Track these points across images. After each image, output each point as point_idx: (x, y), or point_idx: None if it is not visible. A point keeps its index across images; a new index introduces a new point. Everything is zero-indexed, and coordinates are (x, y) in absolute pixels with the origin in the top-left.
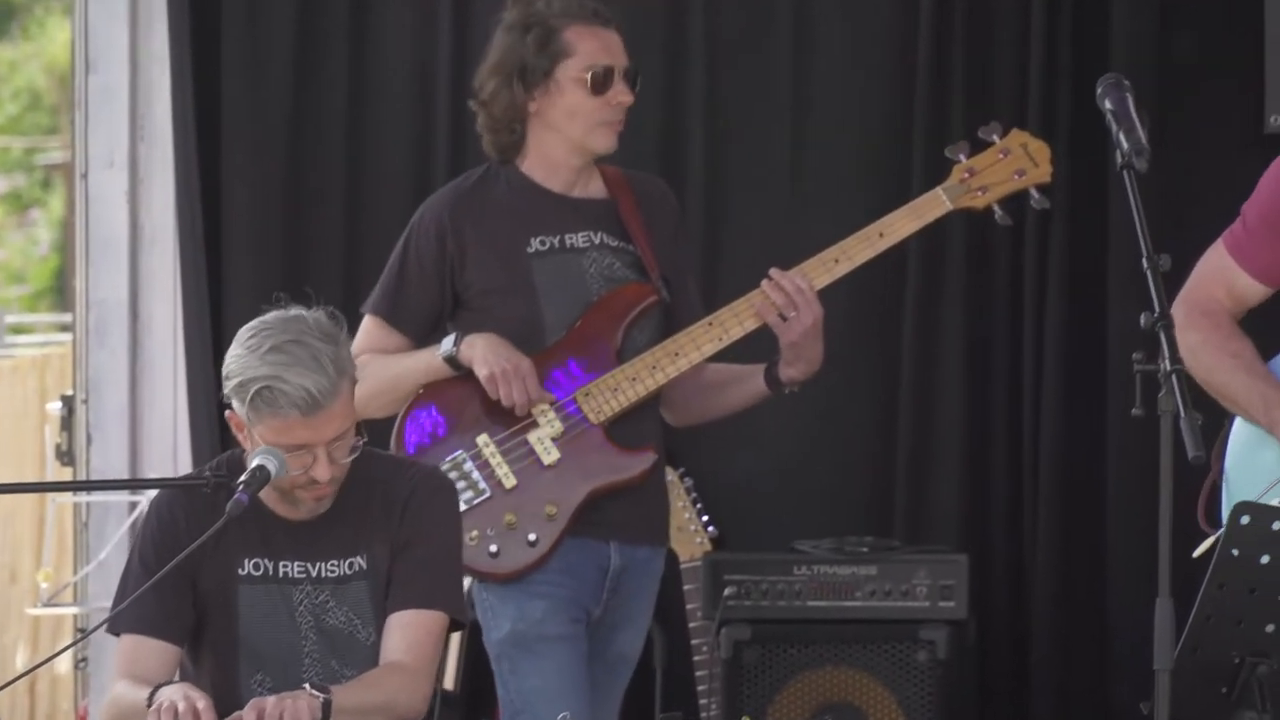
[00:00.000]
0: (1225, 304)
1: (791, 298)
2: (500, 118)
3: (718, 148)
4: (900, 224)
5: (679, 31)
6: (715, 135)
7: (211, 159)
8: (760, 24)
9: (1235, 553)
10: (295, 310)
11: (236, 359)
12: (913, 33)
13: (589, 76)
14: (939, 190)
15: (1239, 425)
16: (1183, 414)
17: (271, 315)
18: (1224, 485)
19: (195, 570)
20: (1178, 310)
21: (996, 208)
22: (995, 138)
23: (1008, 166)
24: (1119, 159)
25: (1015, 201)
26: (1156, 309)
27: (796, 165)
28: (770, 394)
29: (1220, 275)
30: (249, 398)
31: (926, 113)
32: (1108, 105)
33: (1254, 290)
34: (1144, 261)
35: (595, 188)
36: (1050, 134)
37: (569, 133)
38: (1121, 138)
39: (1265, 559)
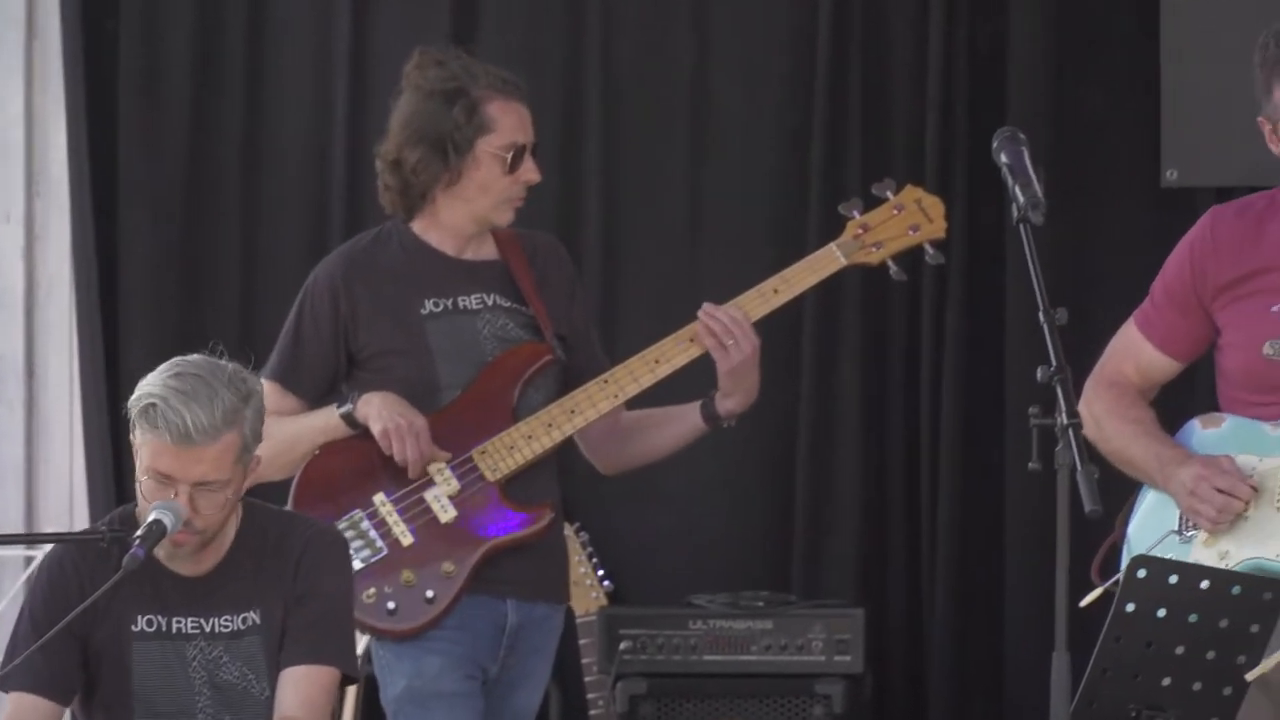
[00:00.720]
0: (1133, 379)
1: (729, 327)
2: (414, 184)
3: (614, 203)
4: (796, 279)
5: (576, 88)
6: (612, 191)
7: (108, 213)
8: (658, 82)
9: (1132, 607)
10: (227, 361)
11: (147, 379)
12: (808, 86)
13: (508, 156)
14: (833, 246)
15: (1145, 491)
16: (1079, 468)
17: (200, 355)
18: (1125, 547)
19: (88, 627)
20: (1087, 388)
21: (891, 263)
22: (889, 194)
23: (902, 222)
24: (1015, 212)
25: (910, 256)
26: (1053, 362)
27: (694, 221)
28: (708, 429)
29: (1129, 351)
30: (136, 412)
31: (823, 168)
32: (1004, 159)
33: (1160, 364)
34: (1040, 315)
35: (487, 249)
36: (947, 188)
37: (476, 205)
38: (1018, 191)
39: (1162, 613)
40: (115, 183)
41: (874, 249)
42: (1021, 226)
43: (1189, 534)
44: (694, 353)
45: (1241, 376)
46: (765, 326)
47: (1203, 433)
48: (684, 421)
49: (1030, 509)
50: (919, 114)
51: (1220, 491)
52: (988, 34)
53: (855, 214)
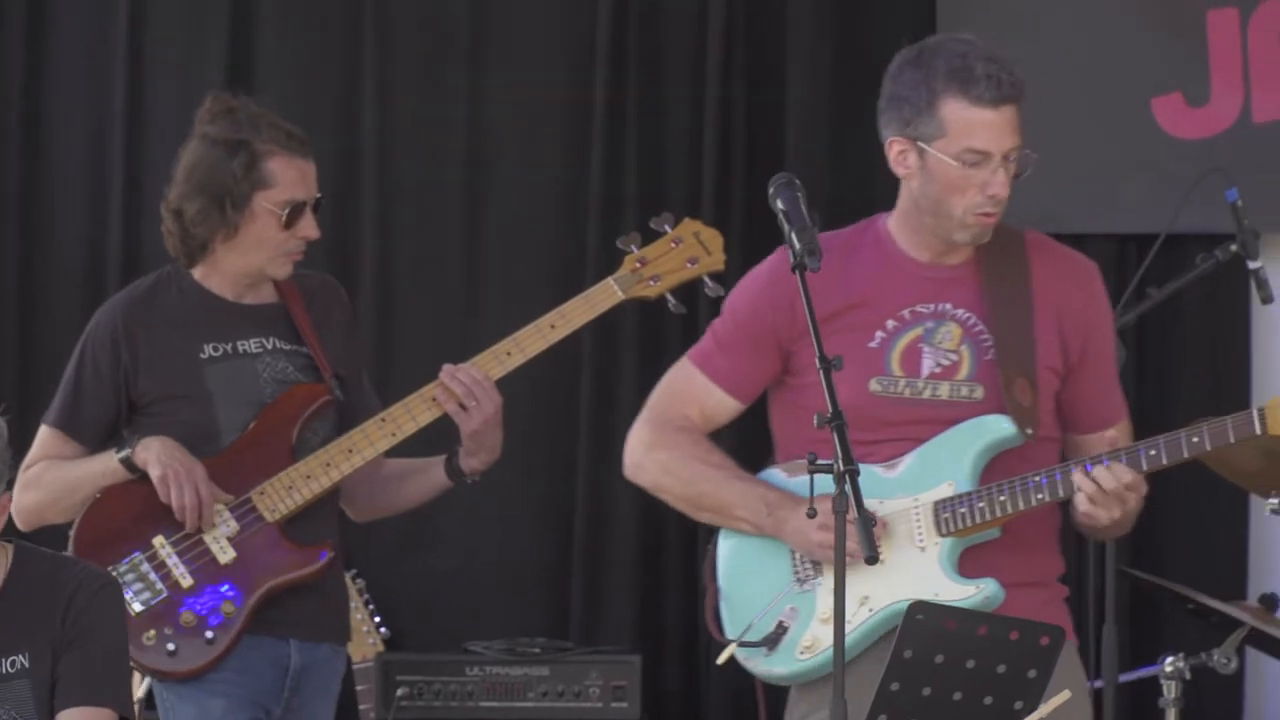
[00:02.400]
0: (697, 421)
1: (471, 389)
2: (194, 234)
3: (390, 245)
4: (573, 315)
5: (353, 125)
6: (388, 232)
7: None
8: (434, 124)
9: (909, 653)
10: None
11: None
12: (585, 127)
13: (284, 212)
14: (610, 280)
15: (729, 542)
16: (857, 514)
17: None
18: (724, 604)
19: None
20: (643, 431)
21: (670, 296)
22: (667, 227)
23: (680, 255)
24: (792, 259)
25: (690, 291)
26: (830, 409)
27: (471, 261)
28: (451, 485)
29: (691, 393)
30: None
31: (600, 209)
32: (780, 205)
33: (728, 406)
34: (818, 362)
35: (265, 293)
36: (724, 230)
37: (253, 258)
38: (794, 238)
39: (940, 659)
40: None
41: (652, 282)
42: (798, 273)
43: (810, 582)
44: (437, 412)
45: (845, 414)
46: (544, 373)
47: (796, 479)
48: (431, 474)
49: None
50: (696, 155)
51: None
52: (765, 80)
53: (633, 248)
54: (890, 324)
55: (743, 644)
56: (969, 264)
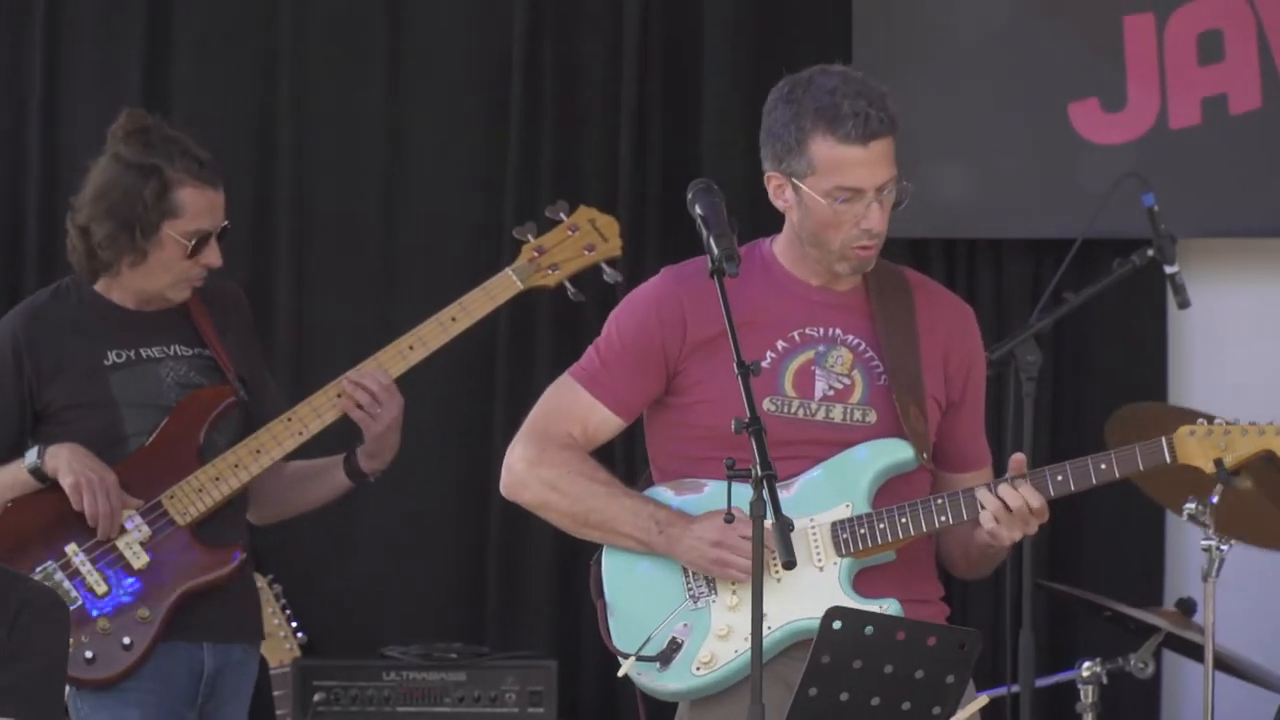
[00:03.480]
0: (579, 440)
1: (375, 394)
2: (100, 255)
3: (307, 245)
4: (473, 306)
5: (268, 129)
6: (305, 235)
7: None
8: (349, 118)
9: (827, 659)
10: None
11: None
12: (502, 133)
13: (190, 242)
14: (508, 271)
15: (615, 559)
16: (774, 520)
17: None
18: (612, 620)
19: None
20: (525, 448)
21: (568, 285)
22: (563, 215)
23: (577, 243)
24: (710, 264)
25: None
26: (748, 415)
27: (388, 265)
28: (352, 485)
29: (574, 412)
30: None
31: (515, 212)
32: (698, 210)
33: (611, 425)
34: (735, 367)
35: (166, 300)
36: (641, 240)
37: (156, 282)
38: (712, 243)
39: (858, 664)
40: None
41: (550, 271)
42: (716, 278)
43: (704, 600)
44: (343, 409)
45: (731, 434)
46: (458, 374)
47: (683, 498)
48: (332, 476)
49: None
50: (612, 161)
51: (749, 541)
52: (682, 85)
53: (530, 237)
54: (780, 345)
55: (638, 659)
56: (858, 291)
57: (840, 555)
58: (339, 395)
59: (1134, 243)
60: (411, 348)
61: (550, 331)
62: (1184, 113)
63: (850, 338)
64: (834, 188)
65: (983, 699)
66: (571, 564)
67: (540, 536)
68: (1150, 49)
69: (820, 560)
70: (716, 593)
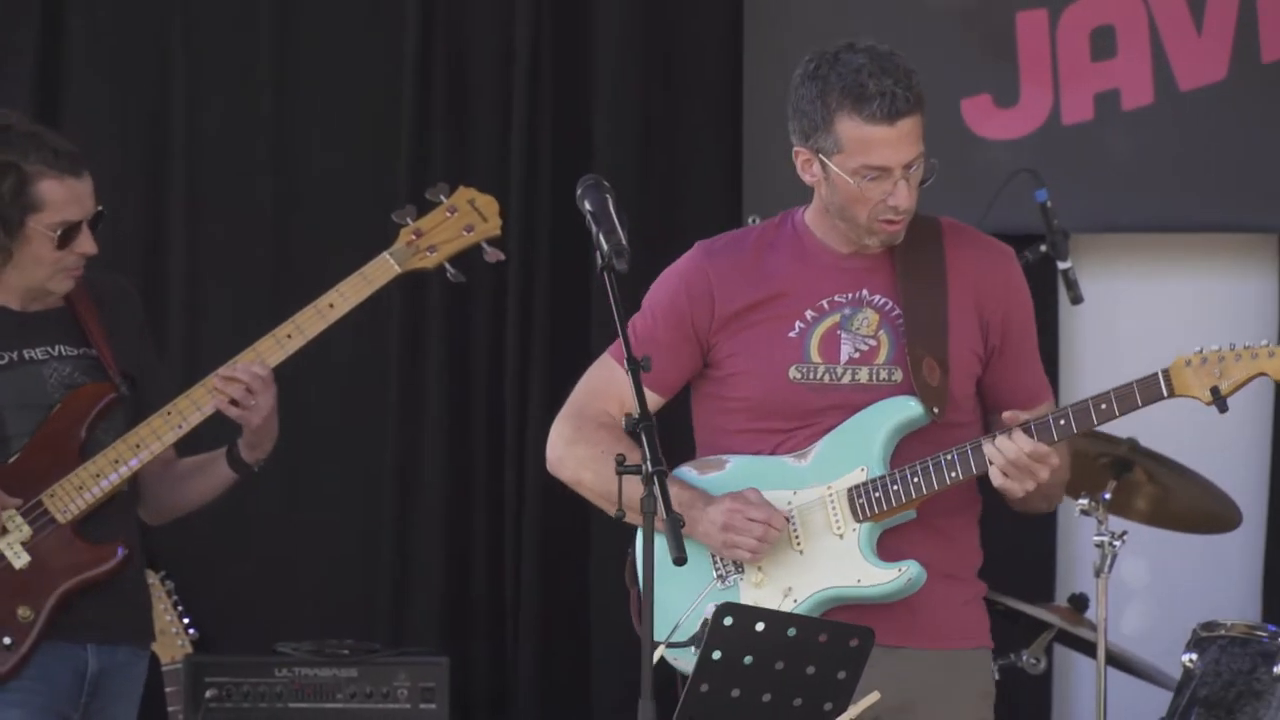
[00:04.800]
0: (618, 417)
1: (249, 386)
2: None
3: (198, 232)
4: (350, 292)
5: (161, 122)
6: (196, 219)
7: None
8: (240, 112)
9: (718, 655)
10: None
11: None
12: (395, 136)
13: (56, 234)
14: (386, 255)
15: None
16: (665, 516)
17: None
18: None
19: None
20: (564, 426)
21: (448, 266)
22: (442, 197)
23: (456, 224)
24: (599, 260)
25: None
26: (638, 411)
27: (279, 259)
28: (237, 478)
29: (611, 388)
30: None
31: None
32: (588, 206)
33: (650, 401)
34: (625, 364)
35: (53, 299)
36: (532, 235)
37: (31, 276)
38: (601, 239)
39: (749, 660)
40: None
41: (429, 253)
42: (605, 274)
43: (731, 579)
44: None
45: (763, 404)
46: (350, 376)
47: (704, 477)
48: (216, 469)
49: (615, 557)
50: (504, 161)
51: (755, 522)
52: (573, 78)
53: (409, 220)
54: (809, 314)
55: (670, 645)
56: (885, 252)
57: (858, 521)
58: (214, 390)
59: (1028, 238)
60: (289, 336)
61: (439, 337)
62: (1077, 108)
63: (877, 298)
64: (861, 166)
65: (875, 694)
66: (463, 561)
67: (431, 534)
68: (1043, 45)
69: (839, 528)
70: (743, 572)
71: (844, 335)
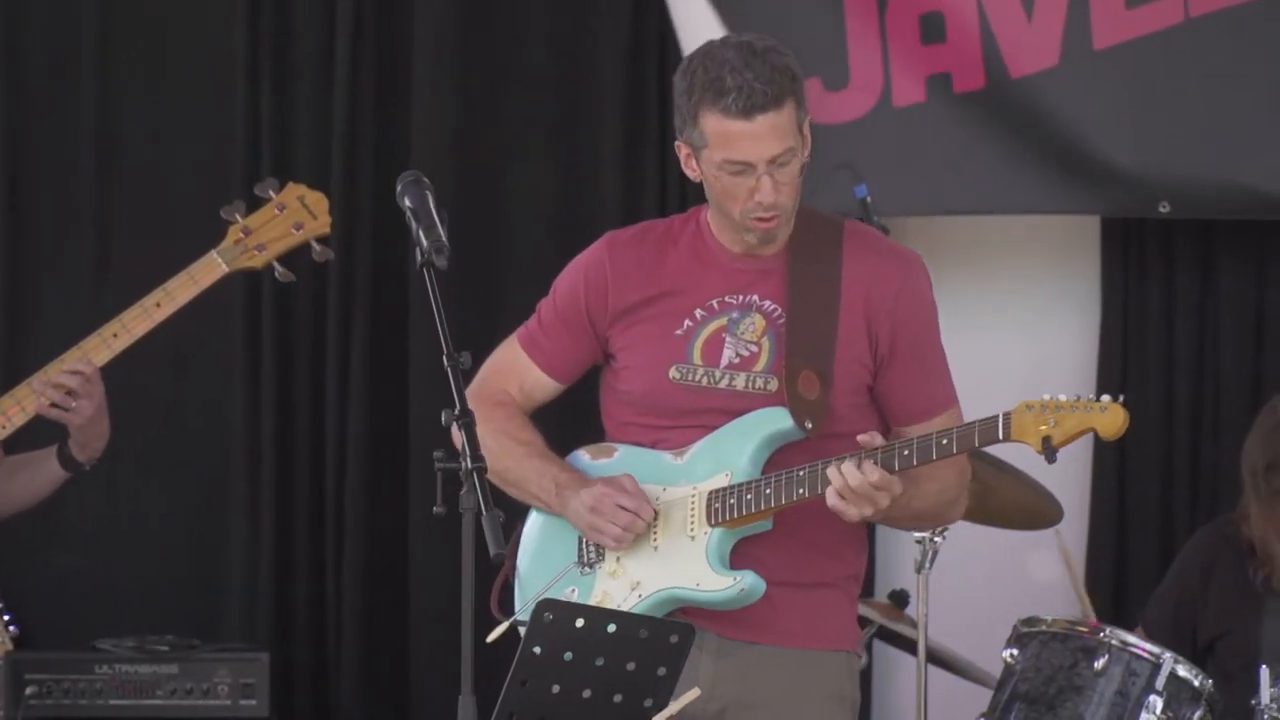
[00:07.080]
0: (517, 398)
1: (71, 389)
2: None
3: (20, 228)
4: (177, 292)
5: None
6: (18, 214)
7: None
8: (64, 104)
9: (538, 650)
10: None
11: None
12: (230, 129)
13: None
14: (213, 253)
15: (531, 520)
16: (484, 512)
17: None
18: (516, 582)
19: None
20: (470, 404)
21: (276, 265)
22: (271, 194)
23: (285, 221)
24: (419, 256)
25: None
26: (457, 407)
27: (103, 255)
28: (69, 475)
29: (513, 370)
30: None
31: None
32: (407, 203)
33: (545, 385)
34: (445, 359)
35: None
36: (353, 231)
37: None
38: (421, 235)
39: (569, 656)
40: None
41: (258, 251)
42: (425, 271)
43: (593, 564)
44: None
45: (644, 400)
46: (189, 369)
47: (594, 462)
48: (46, 468)
49: (436, 552)
50: (325, 152)
51: (624, 510)
52: (392, 73)
53: (237, 217)
54: (698, 313)
55: (519, 623)
56: (780, 256)
57: (710, 525)
58: (35, 391)
59: None
60: (116, 335)
61: (271, 326)
62: (908, 91)
63: (767, 304)
64: (723, 160)
65: (695, 691)
66: (284, 556)
67: (252, 529)
68: (873, 28)
69: (693, 530)
70: (603, 560)
71: (728, 339)
